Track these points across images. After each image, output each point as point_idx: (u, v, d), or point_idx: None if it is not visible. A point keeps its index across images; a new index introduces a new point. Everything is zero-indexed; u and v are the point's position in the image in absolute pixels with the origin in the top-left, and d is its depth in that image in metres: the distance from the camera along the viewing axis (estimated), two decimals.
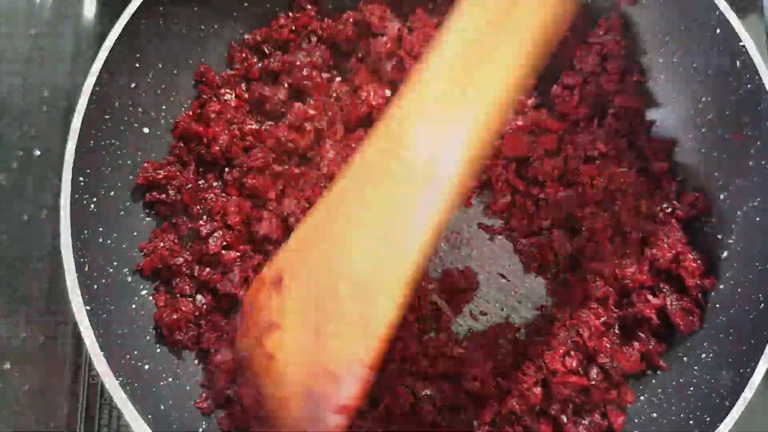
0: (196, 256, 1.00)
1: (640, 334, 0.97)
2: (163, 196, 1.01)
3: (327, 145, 1.06)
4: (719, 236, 0.97)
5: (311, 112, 1.07)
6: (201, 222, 1.02)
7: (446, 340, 0.99)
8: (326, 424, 0.73)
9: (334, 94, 1.10)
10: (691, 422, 0.87)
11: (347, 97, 1.09)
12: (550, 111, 1.09)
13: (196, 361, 0.98)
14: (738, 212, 0.94)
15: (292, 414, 0.77)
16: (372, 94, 1.07)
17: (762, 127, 0.91)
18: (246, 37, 1.12)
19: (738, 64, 0.92)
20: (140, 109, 0.99)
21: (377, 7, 1.11)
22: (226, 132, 1.04)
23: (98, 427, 1.01)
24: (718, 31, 0.94)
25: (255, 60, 1.11)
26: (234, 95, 1.09)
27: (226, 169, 1.05)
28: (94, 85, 0.90)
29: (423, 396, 0.95)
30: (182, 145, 1.05)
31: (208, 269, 1.00)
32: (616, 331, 0.98)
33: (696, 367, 0.92)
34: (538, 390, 0.94)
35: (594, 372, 0.95)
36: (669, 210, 1.01)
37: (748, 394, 0.82)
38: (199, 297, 0.99)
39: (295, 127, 1.06)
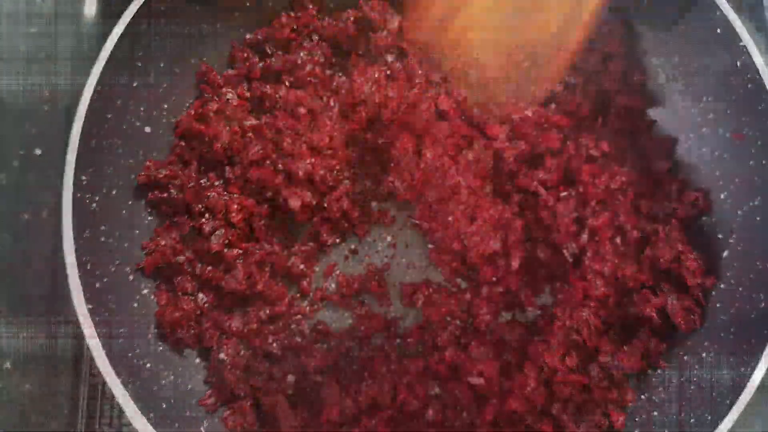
0: (198, 254, 1.00)
1: (641, 333, 0.97)
2: (165, 195, 1.01)
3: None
4: (720, 235, 0.97)
5: (300, 93, 1.07)
6: (203, 220, 1.02)
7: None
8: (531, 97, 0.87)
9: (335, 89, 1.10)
10: (692, 421, 0.87)
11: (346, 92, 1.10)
12: (557, 107, 1.09)
13: (197, 360, 0.98)
14: (739, 211, 0.95)
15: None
16: (367, 85, 1.07)
17: (762, 127, 0.92)
18: (247, 36, 1.12)
19: (738, 63, 0.93)
20: (142, 109, 0.99)
21: (377, 2, 1.11)
22: (227, 130, 1.04)
23: (99, 426, 1.01)
24: (718, 30, 0.94)
25: (257, 59, 1.11)
26: (236, 94, 1.09)
27: (228, 168, 1.05)
28: (96, 85, 0.90)
29: (431, 395, 0.95)
30: (183, 144, 1.05)
31: (209, 267, 1.00)
32: (617, 331, 0.98)
33: (697, 366, 0.92)
34: (539, 389, 0.94)
35: (595, 371, 0.95)
36: (670, 209, 1.02)
37: (749, 392, 0.82)
38: (200, 295, 1.00)
39: (290, 113, 1.07)
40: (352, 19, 1.12)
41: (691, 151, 1.03)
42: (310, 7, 1.13)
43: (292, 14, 1.13)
